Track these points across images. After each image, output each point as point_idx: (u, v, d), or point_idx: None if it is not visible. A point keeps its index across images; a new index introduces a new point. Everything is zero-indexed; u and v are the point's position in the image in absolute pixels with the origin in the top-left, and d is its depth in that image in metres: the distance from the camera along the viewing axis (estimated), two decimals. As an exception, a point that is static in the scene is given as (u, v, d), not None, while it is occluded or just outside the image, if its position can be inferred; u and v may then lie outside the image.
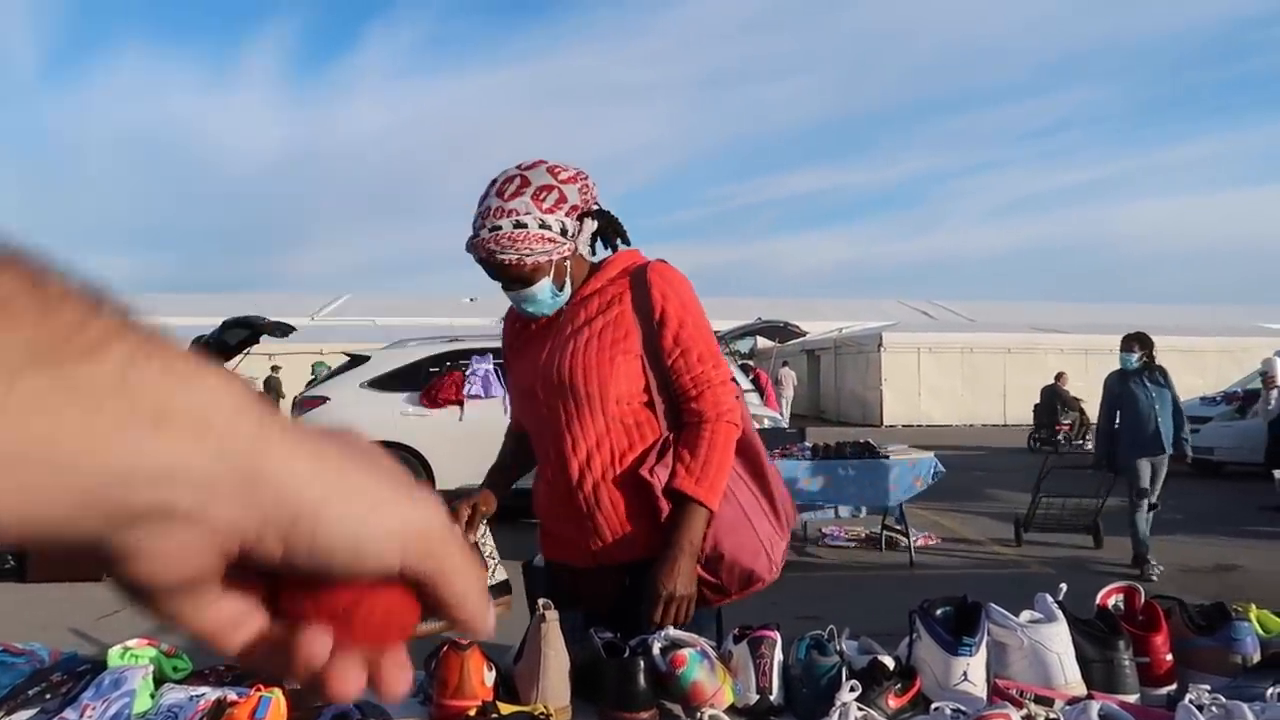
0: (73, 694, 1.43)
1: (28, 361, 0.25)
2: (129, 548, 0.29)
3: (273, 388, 11.95)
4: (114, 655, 1.55)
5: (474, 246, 1.68)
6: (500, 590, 1.72)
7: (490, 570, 1.76)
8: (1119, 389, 6.33)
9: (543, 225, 1.66)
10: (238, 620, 0.33)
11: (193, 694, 1.39)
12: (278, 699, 1.19)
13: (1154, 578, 5.90)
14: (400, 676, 0.35)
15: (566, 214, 1.68)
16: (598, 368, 1.72)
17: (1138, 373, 6.24)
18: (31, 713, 1.40)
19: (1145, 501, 6.12)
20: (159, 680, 1.50)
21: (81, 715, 1.34)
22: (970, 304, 39.68)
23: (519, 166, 1.70)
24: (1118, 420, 6.33)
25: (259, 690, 1.19)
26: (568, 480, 1.74)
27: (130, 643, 1.59)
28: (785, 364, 21.73)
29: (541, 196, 1.66)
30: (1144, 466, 6.12)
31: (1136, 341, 6.36)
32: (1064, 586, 1.58)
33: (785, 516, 1.87)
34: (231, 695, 1.31)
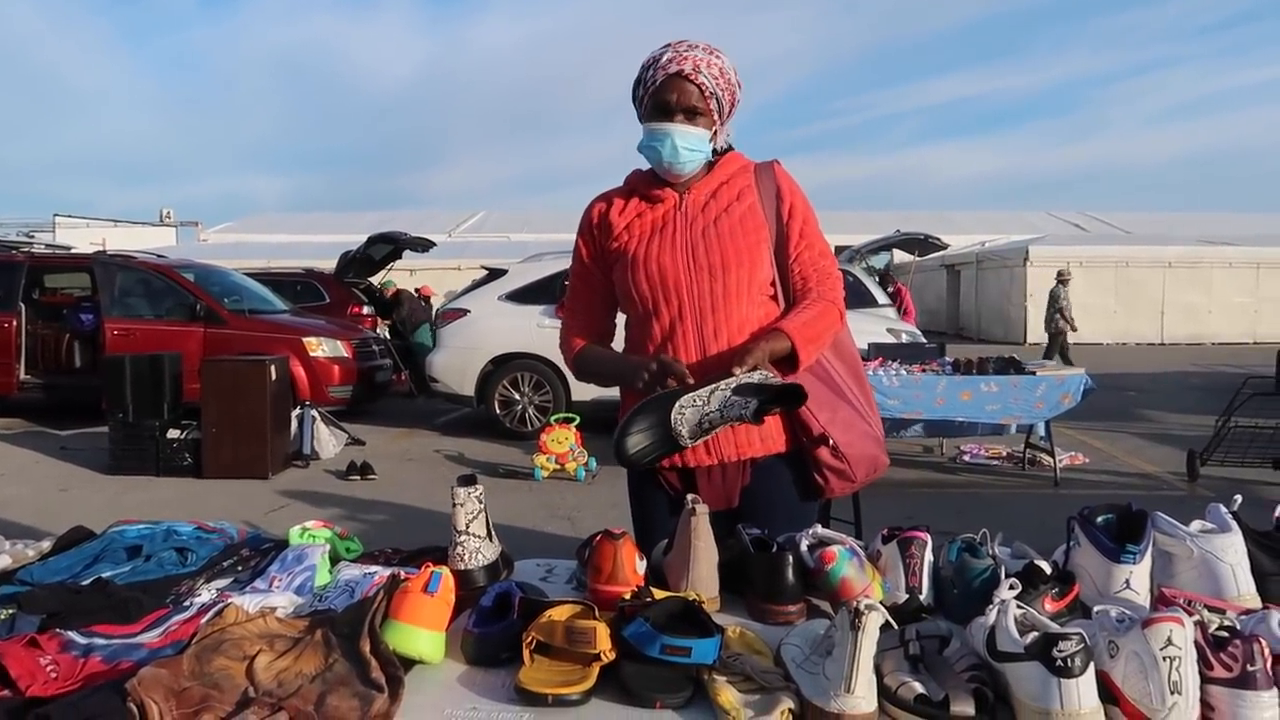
0: (261, 567, 1.56)
1: None
2: None
3: (404, 302, 12.39)
4: (294, 534, 1.67)
5: (678, 61, 1.71)
6: (506, 563, 1.54)
7: (491, 538, 1.52)
8: None
9: (729, 83, 1.76)
10: None
11: (367, 571, 1.50)
12: (447, 575, 1.26)
13: None
14: None
15: (739, 85, 1.80)
16: (749, 251, 1.77)
17: None
18: (226, 581, 1.53)
19: None
20: (334, 559, 1.62)
21: (270, 585, 1.46)
22: (1128, 215, 37.12)
23: (690, 44, 1.76)
24: None
25: (430, 566, 1.26)
26: (704, 368, 1.73)
27: (308, 524, 1.71)
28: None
29: (731, 72, 1.77)
30: None
31: None
32: (1239, 498, 1.49)
33: (878, 415, 1.96)
34: (403, 572, 1.39)
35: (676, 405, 1.60)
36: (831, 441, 1.79)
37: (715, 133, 1.79)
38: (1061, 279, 14.30)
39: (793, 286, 1.82)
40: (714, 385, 1.61)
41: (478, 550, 1.44)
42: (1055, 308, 14.02)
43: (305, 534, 1.68)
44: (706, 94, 1.73)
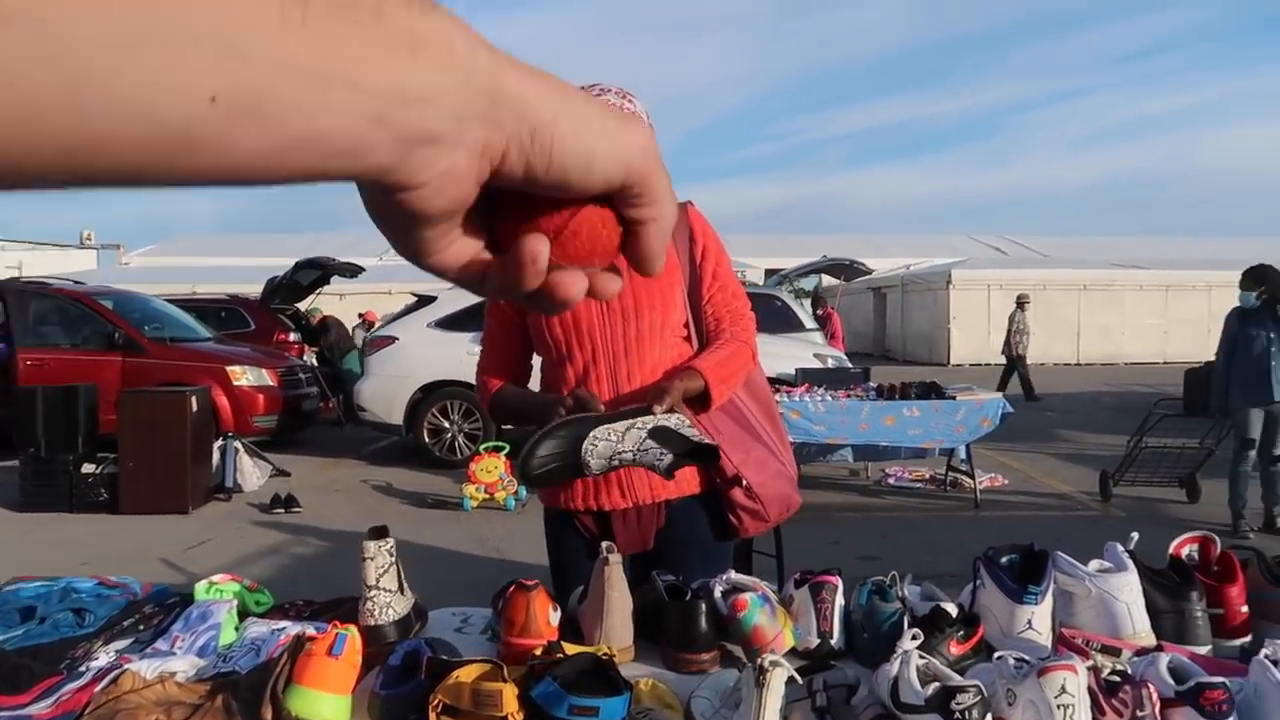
0: (163, 626, 1.51)
1: None
2: (410, 176, 0.32)
3: (332, 328, 12.20)
4: (200, 590, 1.62)
5: None
6: (419, 615, 1.54)
7: (403, 591, 1.51)
8: (1235, 329, 5.81)
9: None
10: (474, 256, 0.37)
11: (274, 628, 1.46)
12: (353, 635, 1.24)
13: (1249, 536, 5.48)
14: (612, 284, 0.39)
15: None
16: (662, 294, 1.78)
17: (1257, 312, 5.69)
18: (126, 642, 1.48)
19: (1250, 454, 5.71)
20: (242, 614, 1.58)
21: (172, 646, 1.41)
22: (1046, 240, 38.43)
23: (619, 92, 1.71)
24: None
25: (336, 627, 1.24)
26: (618, 407, 1.72)
27: (215, 578, 1.66)
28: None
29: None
30: (1254, 416, 5.68)
31: (1254, 278, 5.74)
32: (1135, 535, 1.55)
33: (790, 453, 1.97)
34: (310, 630, 1.36)
35: (590, 435, 1.59)
36: (745, 483, 1.80)
37: None
38: (1020, 303, 14.46)
39: (705, 328, 1.84)
40: (630, 421, 1.61)
41: (388, 605, 1.42)
42: (1014, 330, 14.15)
43: (212, 589, 1.63)
44: None
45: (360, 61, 0.29)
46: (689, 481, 1.82)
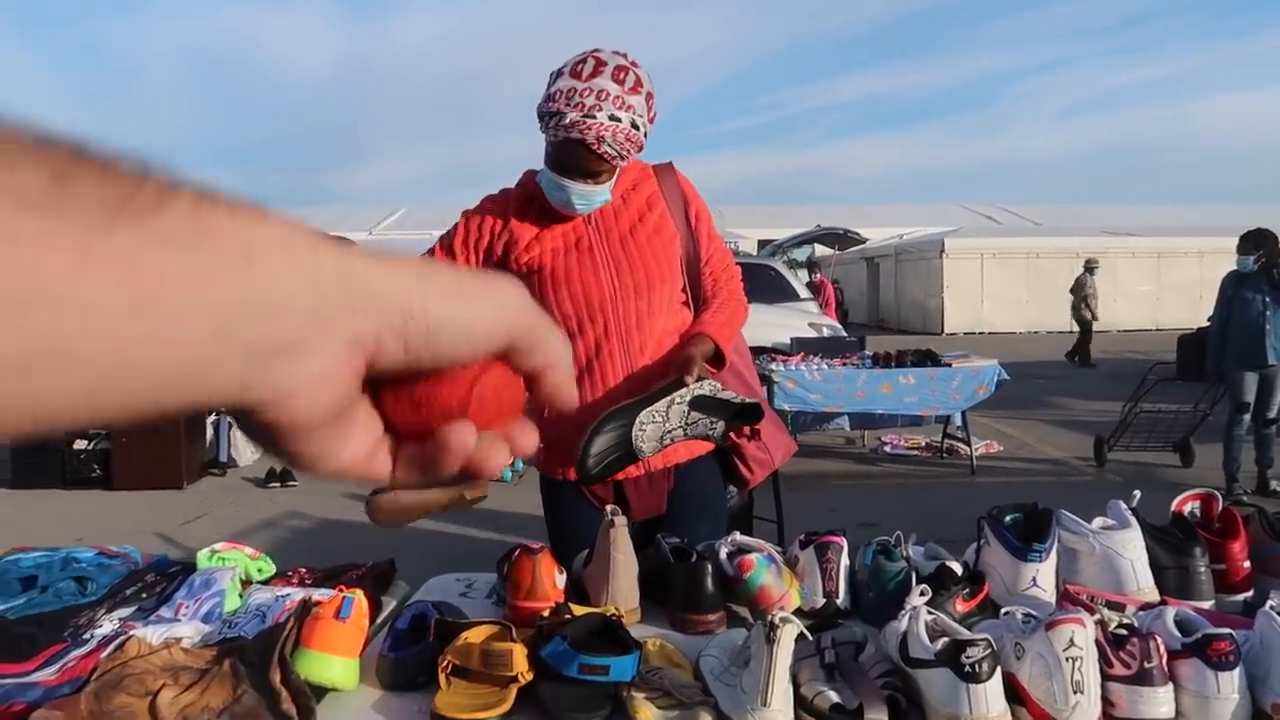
0: (167, 593, 1.50)
1: (108, 218, 0.25)
2: (274, 388, 0.30)
3: None
4: (203, 558, 1.62)
5: (580, 128, 1.57)
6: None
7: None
8: (1231, 292, 5.81)
9: (645, 134, 1.65)
10: (375, 448, 0.35)
11: (279, 594, 1.46)
12: (360, 599, 1.24)
13: (1242, 500, 5.47)
14: (529, 439, 0.39)
15: (650, 122, 1.66)
16: (669, 265, 1.77)
17: (1253, 276, 5.68)
18: (129, 610, 1.47)
19: (1244, 417, 5.73)
20: (245, 582, 1.57)
21: (176, 613, 1.41)
22: (1038, 208, 38.35)
23: (623, 56, 1.61)
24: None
25: (342, 590, 1.24)
26: (630, 383, 1.73)
27: (218, 546, 1.66)
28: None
29: (649, 103, 1.64)
30: (1248, 379, 5.69)
31: (1251, 242, 5.72)
32: (1138, 493, 1.55)
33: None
34: (316, 595, 1.36)
35: (637, 422, 1.60)
36: (761, 435, 1.84)
37: (619, 171, 1.72)
38: (1089, 267, 14.36)
39: (704, 289, 1.84)
40: (669, 398, 1.62)
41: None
42: (1081, 296, 14.08)
43: (214, 557, 1.62)
44: (609, 157, 1.63)
45: (187, 279, 0.27)
46: (699, 444, 1.81)
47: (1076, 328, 14.49)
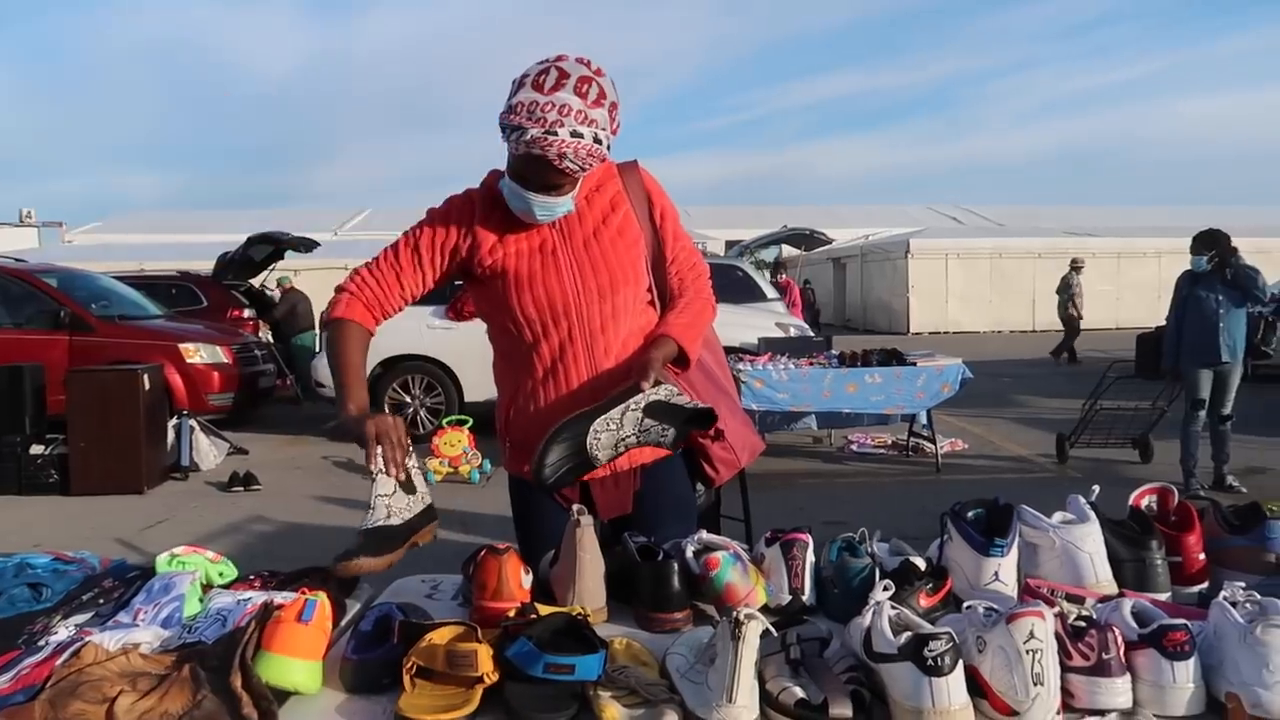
0: (125, 598, 1.47)
1: None
2: None
3: (296, 302, 11.91)
4: (162, 562, 1.59)
5: (542, 144, 1.53)
6: (426, 516, 1.55)
7: (419, 495, 1.56)
8: (1186, 291, 5.94)
9: (608, 146, 1.60)
10: None
11: (240, 598, 1.43)
12: (323, 601, 1.22)
13: (1199, 494, 5.61)
14: None
15: (614, 134, 1.62)
16: (633, 266, 1.75)
17: (1207, 276, 5.81)
18: (86, 616, 1.44)
19: (1200, 414, 5.86)
20: (205, 586, 1.55)
21: (134, 618, 1.38)
22: (1001, 208, 38.79)
23: (586, 65, 1.56)
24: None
25: (305, 593, 1.22)
26: (595, 386, 1.72)
27: (177, 550, 1.63)
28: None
29: (613, 115, 1.58)
30: (1203, 377, 5.83)
31: (1204, 242, 5.84)
32: (1096, 488, 1.57)
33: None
34: (278, 598, 1.34)
35: (591, 430, 1.60)
36: (725, 435, 1.83)
37: (580, 181, 1.69)
38: (1075, 266, 14.55)
39: (670, 289, 1.83)
40: (624, 404, 1.61)
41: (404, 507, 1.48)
42: (1068, 295, 14.24)
43: (174, 561, 1.59)
44: (571, 172, 1.59)
45: None
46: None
47: (1061, 326, 14.71)
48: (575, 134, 1.53)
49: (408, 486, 1.52)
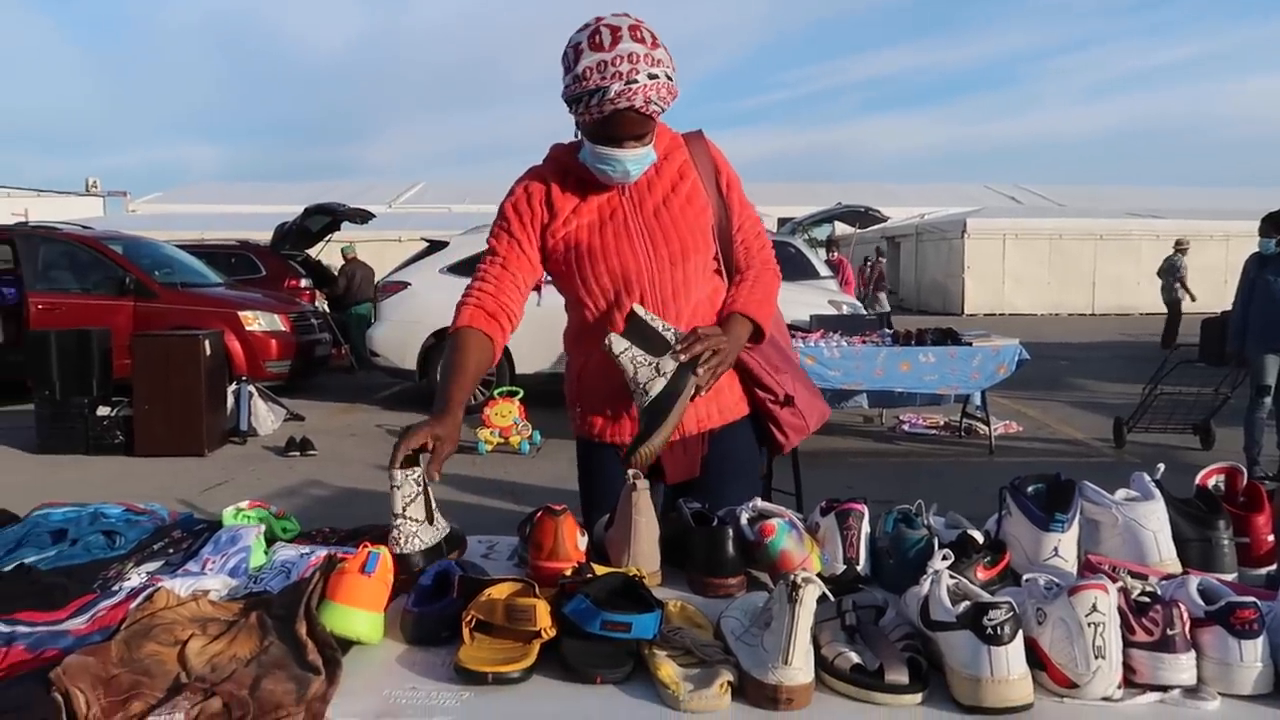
0: (193, 549, 1.52)
1: None
2: None
3: (356, 272, 12.06)
4: (228, 515, 1.64)
5: (628, 95, 1.56)
6: (453, 543, 1.49)
7: (432, 520, 1.47)
8: (1254, 275, 5.76)
9: (673, 89, 1.63)
10: None
11: (303, 551, 1.47)
12: (385, 555, 1.25)
13: (1265, 482, 5.51)
14: None
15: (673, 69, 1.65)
16: (702, 234, 1.77)
17: (1275, 259, 5.63)
18: (157, 564, 1.49)
19: (1265, 400, 5.68)
20: (269, 540, 1.59)
21: (203, 568, 1.43)
22: (1062, 188, 37.93)
23: (625, 15, 1.61)
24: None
25: (367, 546, 1.25)
26: None
27: (242, 504, 1.67)
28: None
29: (671, 71, 1.62)
30: (1270, 362, 5.65)
31: (1273, 224, 5.65)
32: (1161, 466, 1.54)
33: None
34: (340, 552, 1.37)
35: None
36: (795, 401, 1.87)
37: (656, 128, 1.72)
38: (1180, 248, 14.18)
39: (736, 258, 1.84)
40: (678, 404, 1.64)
41: (414, 535, 1.42)
42: (1174, 277, 13.88)
43: (239, 514, 1.64)
44: (655, 115, 1.63)
45: None
46: (735, 409, 1.86)
47: (1165, 310, 14.19)
48: (651, 75, 1.58)
49: (428, 516, 1.47)
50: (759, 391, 1.87)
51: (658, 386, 1.63)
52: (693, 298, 1.77)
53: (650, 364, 1.64)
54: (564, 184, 1.77)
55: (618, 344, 1.65)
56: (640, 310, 1.67)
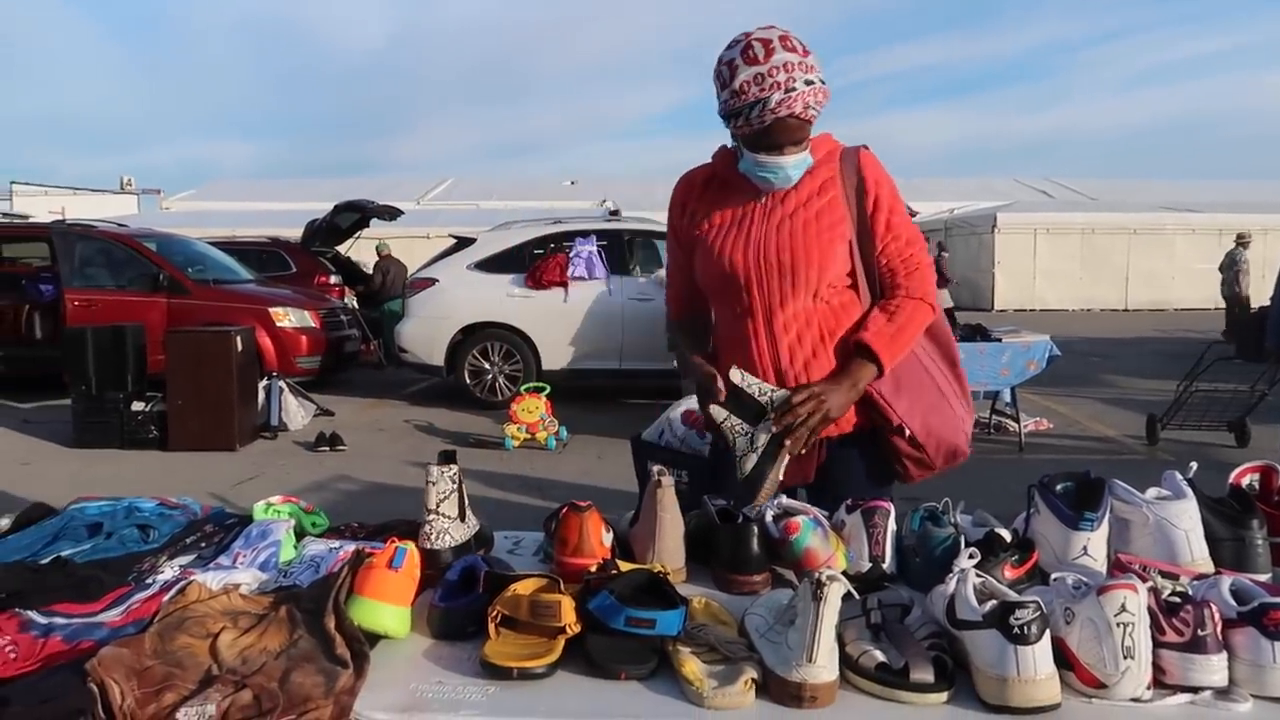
0: (225, 543, 1.54)
1: None
2: None
3: (391, 268, 12.14)
4: (259, 510, 1.66)
5: (789, 104, 1.62)
6: (481, 541, 1.53)
7: (464, 518, 1.50)
8: None
9: (828, 92, 1.68)
10: None
11: (332, 546, 1.49)
12: (412, 550, 1.26)
13: None
14: None
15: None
16: (819, 250, 1.74)
17: None
18: (189, 558, 1.52)
19: None
20: (299, 534, 1.61)
21: (234, 561, 1.45)
22: (1095, 182, 37.40)
23: (771, 28, 1.67)
24: None
25: (395, 541, 1.26)
26: (777, 358, 1.76)
27: (273, 499, 1.70)
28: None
29: (818, 60, 1.68)
30: None
31: None
32: (1194, 464, 1.52)
33: (969, 399, 1.99)
34: (369, 547, 1.39)
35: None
36: (908, 432, 1.81)
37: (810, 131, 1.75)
38: (1241, 242, 13.93)
39: (880, 279, 1.82)
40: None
41: (445, 531, 1.44)
42: (1234, 271, 13.63)
43: (270, 509, 1.66)
44: (812, 119, 1.68)
45: None
46: (845, 419, 1.80)
47: (1223, 304, 13.91)
48: (808, 82, 1.64)
49: (460, 514, 1.49)
50: (875, 415, 1.83)
51: (750, 463, 1.66)
52: (802, 310, 1.76)
53: (746, 434, 1.67)
54: (708, 186, 1.86)
55: (717, 414, 1.70)
56: (736, 374, 1.68)
